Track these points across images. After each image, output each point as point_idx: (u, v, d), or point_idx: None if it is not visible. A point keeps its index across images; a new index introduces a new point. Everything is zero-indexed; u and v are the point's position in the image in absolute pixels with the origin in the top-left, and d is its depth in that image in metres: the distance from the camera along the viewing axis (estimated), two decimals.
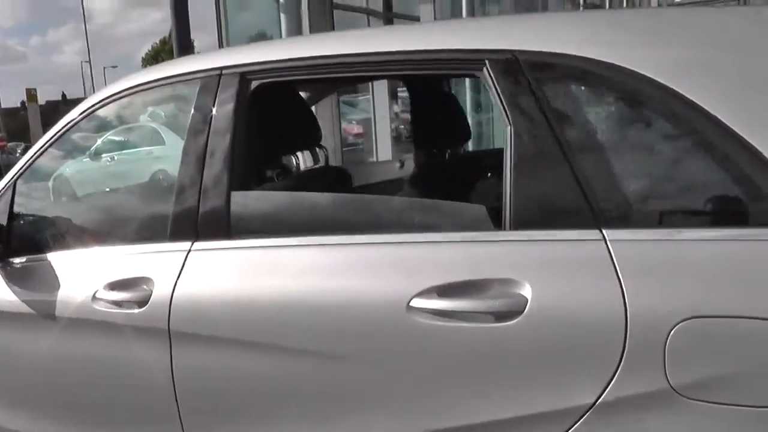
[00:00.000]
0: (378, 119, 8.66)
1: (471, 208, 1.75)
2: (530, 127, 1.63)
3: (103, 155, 10.96)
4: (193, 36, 7.63)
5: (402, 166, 3.50)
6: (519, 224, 1.62)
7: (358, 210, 1.92)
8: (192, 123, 2.06)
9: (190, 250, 1.97)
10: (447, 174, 2.86)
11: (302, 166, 2.37)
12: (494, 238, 1.65)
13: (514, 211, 1.63)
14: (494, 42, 1.73)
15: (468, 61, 1.75)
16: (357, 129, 12.03)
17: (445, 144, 2.95)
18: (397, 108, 9.67)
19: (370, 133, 9.02)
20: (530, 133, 1.63)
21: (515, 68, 1.67)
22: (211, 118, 2.02)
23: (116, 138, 10.88)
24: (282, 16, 6.63)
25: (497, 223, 1.67)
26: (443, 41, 1.80)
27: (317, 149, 2.47)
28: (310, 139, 2.37)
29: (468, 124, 3.04)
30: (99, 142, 10.43)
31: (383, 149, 8.52)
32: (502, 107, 1.67)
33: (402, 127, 11.77)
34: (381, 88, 8.37)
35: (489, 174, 3.22)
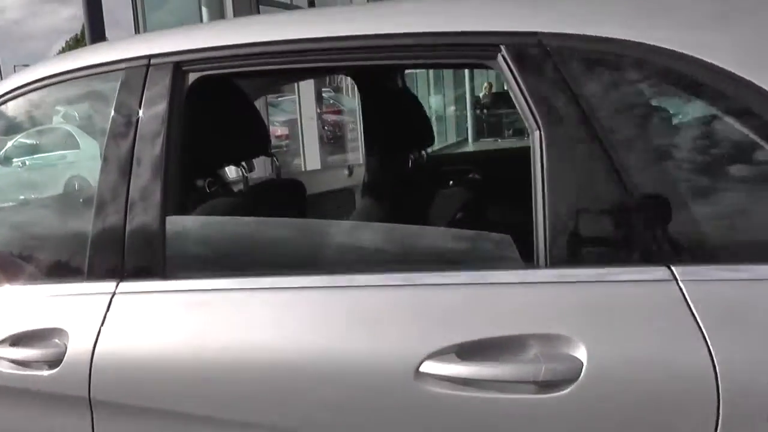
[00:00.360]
0: (304, 120, 8.13)
1: (487, 237, 1.31)
2: (568, 132, 1.21)
3: (14, 160, 9.99)
4: (108, 34, 6.97)
5: (351, 173, 3.05)
6: (559, 260, 1.20)
7: (342, 241, 1.45)
8: (113, 126, 1.55)
9: (114, 293, 1.46)
10: (415, 183, 2.43)
11: (249, 178, 1.88)
12: (528, 279, 1.21)
13: (552, 243, 1.20)
14: (512, 21, 1.30)
15: (477, 47, 1.31)
16: (280, 131, 11.49)
17: (405, 148, 2.50)
18: (319, 109, 9.19)
19: (297, 134, 8.49)
20: (568, 139, 1.21)
21: (542, 56, 1.25)
22: (138, 119, 1.52)
23: (26, 141, 9.93)
24: (204, 11, 6.05)
25: (527, 258, 1.24)
26: (444, 21, 1.35)
27: (266, 158, 1.99)
28: (259, 145, 1.88)
29: (430, 124, 2.60)
30: (9, 145, 9.51)
31: (311, 151, 8.01)
32: (526, 106, 1.24)
33: (325, 128, 11.30)
34: (307, 88, 7.86)
35: (451, 182, 2.83)
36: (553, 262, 1.20)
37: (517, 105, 1.26)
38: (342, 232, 1.49)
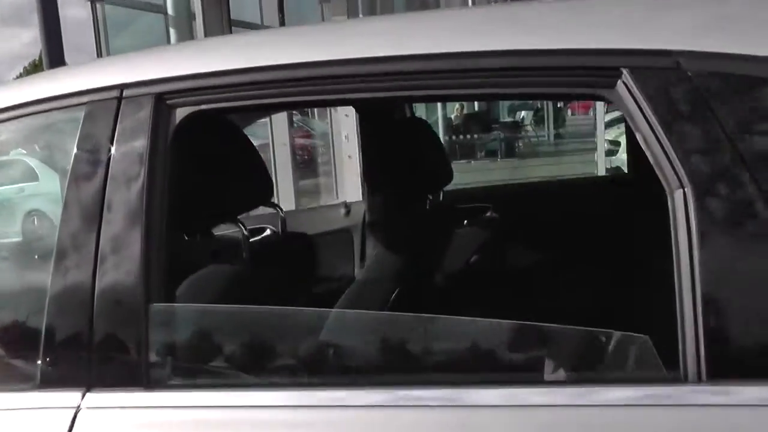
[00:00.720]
0: (277, 147, 7.73)
1: (614, 338, 0.94)
2: (729, 192, 0.85)
3: None
4: (68, 59, 6.52)
5: (348, 212, 2.67)
6: (724, 372, 0.83)
7: (399, 339, 1.06)
8: (71, 190, 1.16)
9: (79, 409, 1.06)
10: (431, 226, 2.06)
11: (248, 236, 1.49)
12: (680, 400, 0.85)
13: (712, 348, 0.84)
14: (636, 35, 0.94)
15: (586, 71, 0.95)
16: None
17: (422, 188, 2.13)
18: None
19: (268, 161, 8.07)
20: (730, 202, 0.85)
21: (682, 83, 0.89)
22: (107, 170, 1.13)
23: None
24: (172, 33, 5.64)
25: (671, 366, 0.88)
26: (537, 38, 0.99)
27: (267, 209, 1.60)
28: (261, 194, 1.50)
29: (448, 160, 2.23)
30: None
31: (284, 179, 7.60)
32: (662, 154, 0.88)
33: (296, 153, 10.89)
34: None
35: (466, 222, 2.48)
36: (714, 374, 0.83)
37: (647, 151, 0.90)
38: (399, 326, 1.11)
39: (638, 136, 0.90)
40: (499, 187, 3.05)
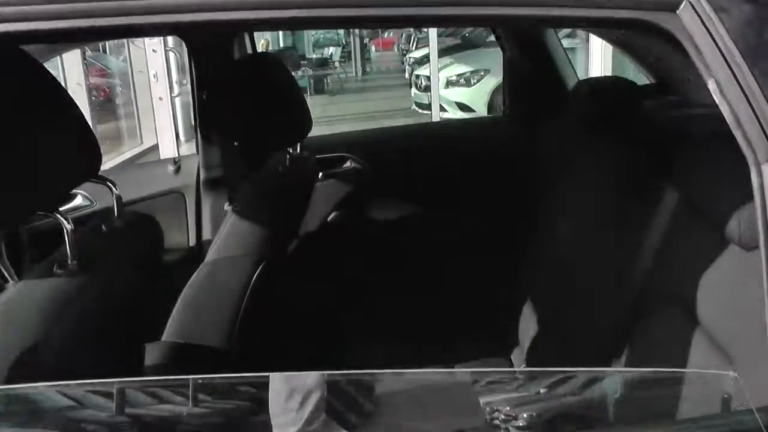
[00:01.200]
0: (70, 86, 6.80)
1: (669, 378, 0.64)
2: None
3: None
4: None
5: (178, 169, 2.21)
6: None
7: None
8: None
9: None
10: (286, 180, 1.70)
11: (69, 224, 1.03)
12: None
13: None
14: None
15: None
16: None
17: (274, 139, 1.72)
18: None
19: None
20: None
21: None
22: None
23: None
24: None
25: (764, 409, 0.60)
26: None
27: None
28: (86, 165, 1.04)
29: (305, 103, 1.84)
30: None
31: None
32: (746, 106, 0.59)
33: (92, 96, 9.78)
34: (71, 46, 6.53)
35: (325, 175, 2.13)
36: None
37: (723, 106, 0.59)
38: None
39: (710, 85, 0.59)
40: (355, 134, 2.71)
